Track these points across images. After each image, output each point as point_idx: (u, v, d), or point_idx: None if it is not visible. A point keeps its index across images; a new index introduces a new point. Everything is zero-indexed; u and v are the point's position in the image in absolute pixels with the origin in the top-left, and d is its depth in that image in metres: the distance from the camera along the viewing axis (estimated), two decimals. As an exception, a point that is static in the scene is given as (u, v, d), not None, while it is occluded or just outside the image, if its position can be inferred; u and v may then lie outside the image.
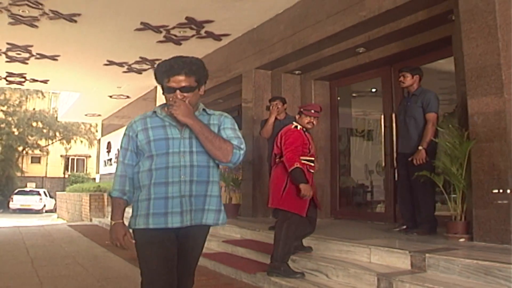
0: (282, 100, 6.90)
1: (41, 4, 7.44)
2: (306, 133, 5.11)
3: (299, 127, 5.11)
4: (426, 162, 5.18)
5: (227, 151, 2.71)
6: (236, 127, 2.89)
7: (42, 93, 33.72)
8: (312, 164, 5.09)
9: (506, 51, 4.55)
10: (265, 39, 8.26)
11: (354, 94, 9.53)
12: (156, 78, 2.79)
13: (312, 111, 5.13)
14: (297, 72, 8.31)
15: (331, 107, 8.42)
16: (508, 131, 4.43)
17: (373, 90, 8.62)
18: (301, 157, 4.96)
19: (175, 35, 8.87)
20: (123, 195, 2.79)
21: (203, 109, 2.89)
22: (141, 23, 8.27)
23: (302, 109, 5.18)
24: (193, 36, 8.86)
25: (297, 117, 5.21)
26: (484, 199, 4.55)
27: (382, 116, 7.30)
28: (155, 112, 2.85)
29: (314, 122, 5.16)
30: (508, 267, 3.44)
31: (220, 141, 2.71)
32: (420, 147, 5.24)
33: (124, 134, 2.87)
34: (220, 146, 2.71)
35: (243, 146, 2.79)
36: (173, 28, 8.50)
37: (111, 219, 2.80)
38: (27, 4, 7.40)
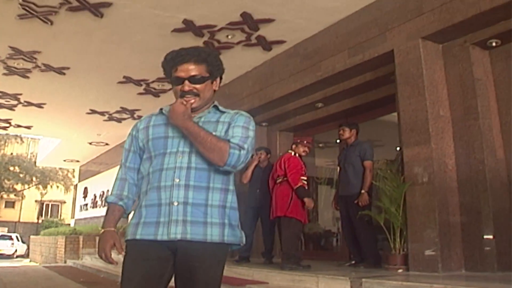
0: (267, 151, 7.84)
1: (35, 58, 8.24)
2: (302, 160, 6.64)
3: (297, 154, 6.67)
4: (369, 203, 6.04)
5: (222, 151, 2.24)
6: (251, 127, 2.41)
7: (21, 138, 34.11)
8: (306, 183, 6.59)
9: (432, 108, 5.44)
10: (236, 93, 9.12)
11: (320, 145, 10.39)
12: (164, 70, 2.46)
13: (305, 142, 6.73)
14: (264, 123, 9.16)
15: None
16: (435, 175, 5.27)
17: (337, 141, 9.47)
18: (301, 177, 6.47)
19: (154, 88, 9.72)
20: (119, 200, 2.41)
21: (214, 106, 2.47)
22: (124, 76, 9.08)
23: (298, 141, 6.84)
24: (170, 89, 9.66)
25: (293, 147, 6.80)
26: (416, 234, 5.32)
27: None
28: (161, 109, 2.49)
29: (308, 151, 6.75)
30: (424, 286, 4.21)
31: (212, 141, 2.24)
32: (363, 191, 6.10)
33: (128, 134, 2.55)
34: (212, 147, 2.24)
35: (246, 145, 2.31)
36: (153, 82, 9.35)
37: (102, 227, 2.42)
38: (22, 58, 8.20)
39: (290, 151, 6.78)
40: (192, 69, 2.34)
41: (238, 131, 2.33)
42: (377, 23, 6.19)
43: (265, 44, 7.62)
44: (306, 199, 6.41)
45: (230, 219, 2.35)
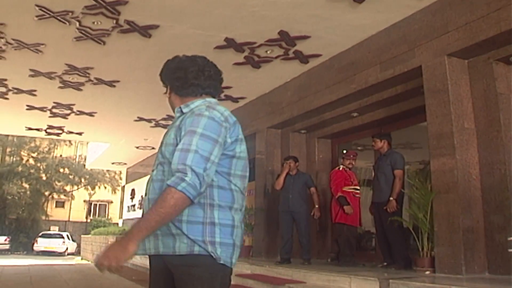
0: (295, 159, 8.47)
1: (88, 73, 8.93)
2: (348, 171, 7.75)
3: (341, 167, 7.82)
4: (396, 209, 6.46)
5: (175, 201, 1.97)
6: (202, 129, 2.10)
7: (70, 141, 35.40)
8: (357, 191, 7.72)
9: (457, 121, 5.80)
10: (275, 103, 9.61)
11: (359, 148, 10.79)
12: None
13: (351, 155, 7.89)
14: (303, 131, 9.62)
15: (332, 161, 9.68)
16: (459, 184, 5.64)
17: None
18: (345, 187, 7.60)
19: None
20: None
21: (179, 108, 2.37)
22: (170, 88, 9.68)
23: (344, 155, 8.00)
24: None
25: (341, 160, 8.12)
26: (442, 239, 5.70)
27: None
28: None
29: (353, 163, 7.85)
30: (445, 287, 4.61)
31: (159, 209, 1.97)
32: (391, 198, 6.53)
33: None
34: (166, 210, 1.96)
35: (188, 163, 2.00)
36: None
37: None
38: (77, 73, 8.90)
39: (340, 165, 7.98)
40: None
41: (181, 145, 2.09)
42: (406, 39, 6.57)
43: (302, 58, 8.08)
44: (345, 207, 7.42)
45: (188, 231, 2.07)
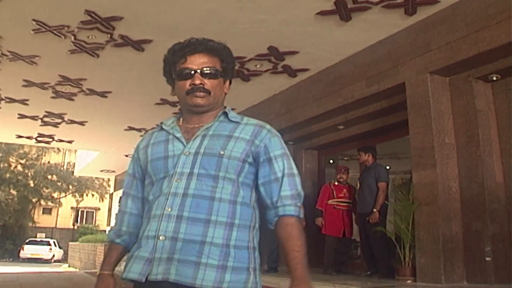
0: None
1: (81, 84, 9.11)
2: (339, 184, 8.19)
3: (332, 182, 8.38)
4: (379, 220, 6.72)
5: (303, 235, 1.91)
6: (288, 151, 2.01)
7: (58, 148, 35.38)
8: (341, 203, 8.05)
9: (438, 136, 6.06)
10: (264, 114, 9.81)
11: (346, 158, 11.05)
12: (166, 63, 2.06)
13: (342, 170, 8.26)
14: (290, 142, 9.82)
15: (319, 172, 9.93)
16: (439, 197, 5.88)
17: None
18: (329, 200, 8.09)
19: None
20: (117, 237, 2.07)
21: (223, 113, 2.03)
22: (161, 99, 9.89)
23: (336, 169, 8.47)
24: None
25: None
26: (423, 249, 5.93)
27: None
28: (162, 123, 2.11)
29: (344, 177, 8.17)
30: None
31: (297, 241, 1.87)
32: (374, 210, 6.79)
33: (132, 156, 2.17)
34: (303, 243, 1.87)
35: (299, 189, 1.96)
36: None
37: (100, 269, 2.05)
38: (70, 84, 9.08)
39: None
40: (204, 61, 1.97)
41: (286, 171, 1.94)
42: (390, 56, 6.84)
43: (290, 72, 8.32)
44: (316, 219, 8.06)
45: (235, 261, 1.81)
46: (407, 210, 6.21)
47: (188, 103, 2.00)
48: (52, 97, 9.94)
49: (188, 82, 1.96)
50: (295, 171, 1.98)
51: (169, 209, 1.84)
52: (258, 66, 8.08)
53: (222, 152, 1.90)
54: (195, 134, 1.98)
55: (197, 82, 1.94)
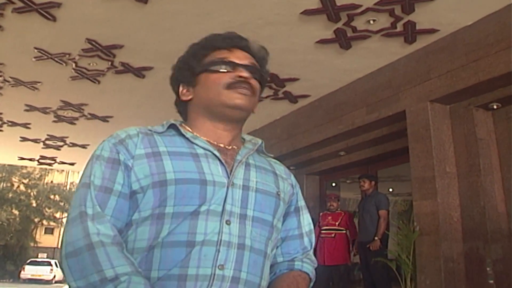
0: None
1: (83, 109, 9.14)
2: (326, 213, 8.37)
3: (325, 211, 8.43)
4: (380, 249, 6.65)
5: None
6: None
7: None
8: (326, 231, 8.05)
9: (439, 166, 6.02)
10: (265, 139, 9.58)
11: (348, 181, 11.03)
12: (190, 56, 1.59)
13: (332, 197, 8.49)
14: (292, 167, 9.80)
15: (320, 197, 9.89)
16: (441, 227, 5.83)
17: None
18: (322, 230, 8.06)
19: (190, 132, 10.52)
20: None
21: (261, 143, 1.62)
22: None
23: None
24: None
25: None
26: (424, 281, 5.89)
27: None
28: (173, 125, 1.50)
29: (334, 204, 8.34)
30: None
31: None
32: (376, 238, 6.73)
33: (99, 157, 1.41)
34: None
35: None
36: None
37: None
38: (71, 109, 9.10)
39: None
40: (251, 60, 1.55)
41: (312, 227, 1.64)
42: (390, 84, 6.83)
43: (291, 98, 8.32)
44: None
45: None
46: (408, 239, 6.16)
47: (226, 102, 1.45)
48: (54, 121, 9.96)
49: (229, 74, 1.46)
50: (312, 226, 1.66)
51: (222, 267, 1.26)
52: (259, 92, 8.06)
53: (279, 193, 1.48)
54: (235, 159, 1.44)
55: (245, 74, 1.47)
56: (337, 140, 8.19)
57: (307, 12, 5.58)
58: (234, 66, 1.48)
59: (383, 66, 6.96)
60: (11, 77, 7.67)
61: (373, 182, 7.45)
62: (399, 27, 5.86)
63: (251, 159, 1.51)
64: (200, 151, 1.41)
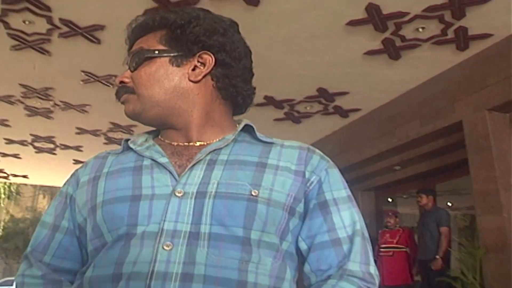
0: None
1: (132, 131, 9.17)
2: (384, 230, 8.08)
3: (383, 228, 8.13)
4: (442, 268, 6.28)
5: None
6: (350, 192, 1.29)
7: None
8: (384, 250, 7.75)
9: (502, 178, 5.64)
10: (317, 156, 9.58)
11: (404, 196, 10.67)
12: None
13: (389, 213, 8.25)
14: (346, 184, 9.54)
15: (376, 214, 9.54)
16: (508, 244, 5.45)
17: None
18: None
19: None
20: None
21: (247, 126, 1.32)
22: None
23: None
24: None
25: None
26: (494, 302, 5.50)
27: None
28: (127, 140, 1.27)
29: (391, 221, 8.05)
30: None
31: None
32: (437, 256, 6.36)
33: (59, 192, 1.30)
34: None
35: (376, 277, 1.24)
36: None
37: None
38: (121, 131, 9.18)
39: None
40: (137, 43, 1.25)
41: (354, 230, 1.18)
42: (445, 94, 6.50)
43: (342, 112, 8.07)
44: None
45: None
46: (473, 257, 5.78)
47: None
48: (105, 143, 10.07)
49: None
50: (366, 233, 1.21)
51: None
52: (308, 108, 7.88)
53: (254, 193, 1.09)
54: (194, 159, 1.14)
55: (116, 82, 1.33)
56: (391, 154, 7.87)
57: (352, 23, 5.36)
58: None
59: (436, 76, 6.64)
60: (61, 101, 7.84)
61: (431, 197, 7.10)
62: (450, 33, 5.56)
63: (224, 154, 1.18)
64: (146, 162, 1.17)
